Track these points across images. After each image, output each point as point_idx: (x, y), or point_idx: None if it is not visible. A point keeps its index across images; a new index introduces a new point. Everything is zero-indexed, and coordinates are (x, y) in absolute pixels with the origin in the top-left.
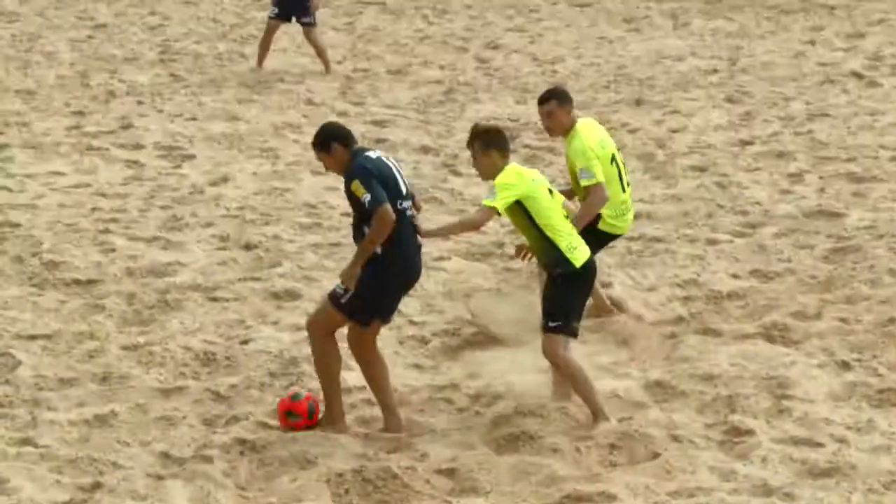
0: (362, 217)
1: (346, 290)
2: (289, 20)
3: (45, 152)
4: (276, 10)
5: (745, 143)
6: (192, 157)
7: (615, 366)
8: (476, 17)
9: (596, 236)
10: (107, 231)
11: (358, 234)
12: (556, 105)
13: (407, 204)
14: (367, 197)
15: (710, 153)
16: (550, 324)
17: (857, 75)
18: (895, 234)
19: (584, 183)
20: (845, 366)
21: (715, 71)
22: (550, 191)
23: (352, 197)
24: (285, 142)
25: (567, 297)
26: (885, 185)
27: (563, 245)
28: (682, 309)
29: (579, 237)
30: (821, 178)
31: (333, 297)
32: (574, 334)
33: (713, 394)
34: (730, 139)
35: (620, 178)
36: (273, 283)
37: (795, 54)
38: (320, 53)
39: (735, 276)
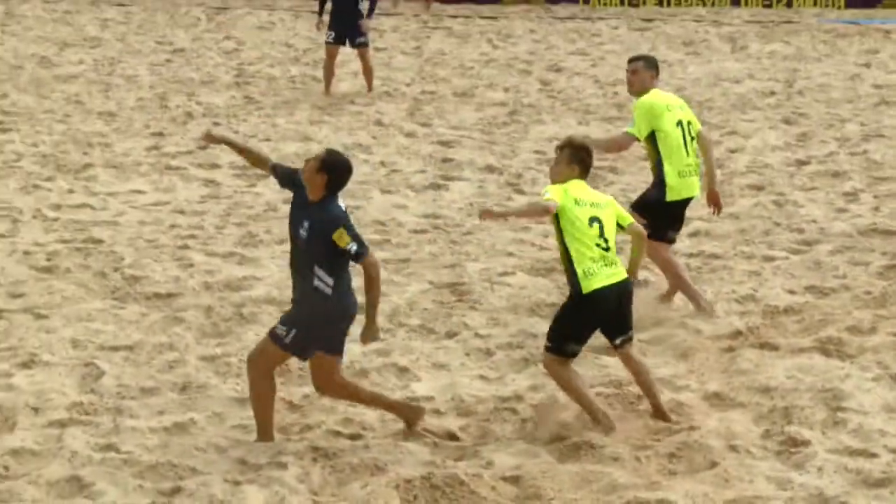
0: (322, 259)
1: (287, 331)
2: (344, 43)
3: (125, 172)
4: (333, 35)
5: (802, 162)
6: (266, 176)
7: (675, 378)
8: (539, 41)
9: (668, 211)
10: (185, 247)
11: (308, 274)
12: (642, 65)
13: None
14: (353, 246)
15: (767, 173)
16: (546, 343)
17: None
18: None
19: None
20: None
21: (772, 93)
22: (596, 220)
23: (327, 241)
24: (355, 161)
25: (567, 319)
26: None
27: (580, 269)
28: (739, 323)
29: (605, 267)
30: (875, 196)
31: (275, 336)
32: (566, 355)
33: (770, 405)
34: (786, 159)
35: (685, 143)
36: None
37: (851, 76)
38: (367, 73)
39: (791, 292)
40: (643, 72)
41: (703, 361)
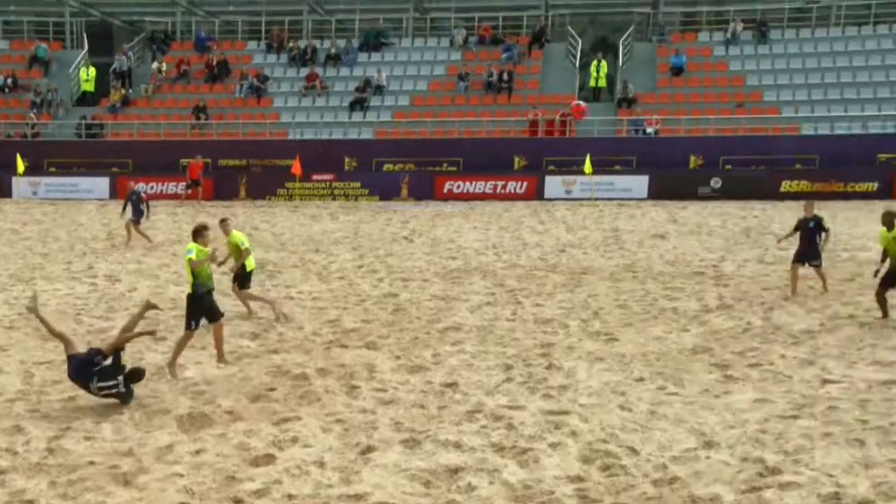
0: None
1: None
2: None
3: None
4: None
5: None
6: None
7: (305, 363)
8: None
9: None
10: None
11: None
12: (230, 222)
13: None
14: None
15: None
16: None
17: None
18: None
19: (243, 248)
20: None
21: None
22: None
23: None
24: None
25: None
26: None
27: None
28: (332, 336)
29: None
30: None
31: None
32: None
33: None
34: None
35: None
36: None
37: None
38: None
39: (355, 322)
40: (229, 224)
41: (318, 353)
